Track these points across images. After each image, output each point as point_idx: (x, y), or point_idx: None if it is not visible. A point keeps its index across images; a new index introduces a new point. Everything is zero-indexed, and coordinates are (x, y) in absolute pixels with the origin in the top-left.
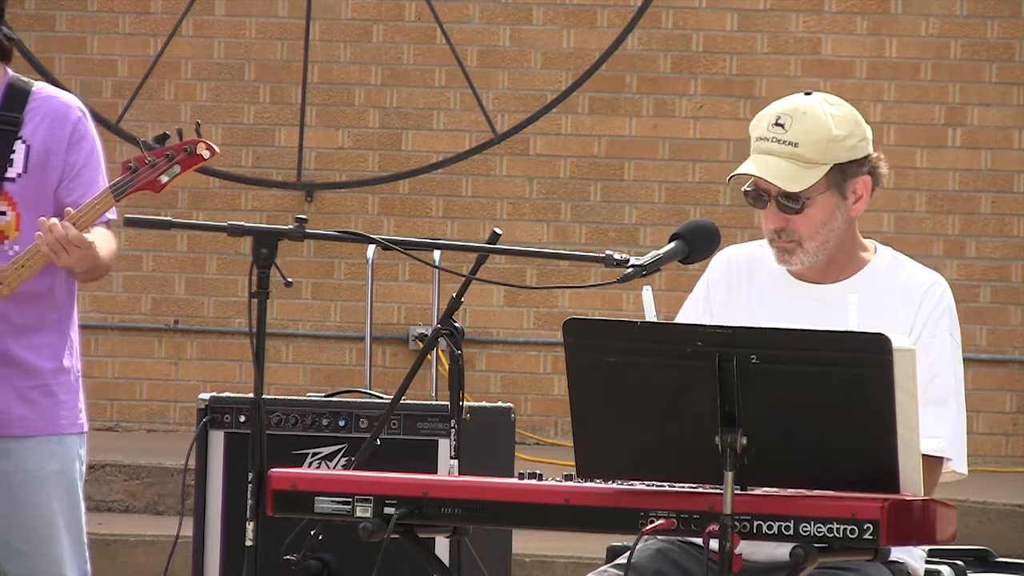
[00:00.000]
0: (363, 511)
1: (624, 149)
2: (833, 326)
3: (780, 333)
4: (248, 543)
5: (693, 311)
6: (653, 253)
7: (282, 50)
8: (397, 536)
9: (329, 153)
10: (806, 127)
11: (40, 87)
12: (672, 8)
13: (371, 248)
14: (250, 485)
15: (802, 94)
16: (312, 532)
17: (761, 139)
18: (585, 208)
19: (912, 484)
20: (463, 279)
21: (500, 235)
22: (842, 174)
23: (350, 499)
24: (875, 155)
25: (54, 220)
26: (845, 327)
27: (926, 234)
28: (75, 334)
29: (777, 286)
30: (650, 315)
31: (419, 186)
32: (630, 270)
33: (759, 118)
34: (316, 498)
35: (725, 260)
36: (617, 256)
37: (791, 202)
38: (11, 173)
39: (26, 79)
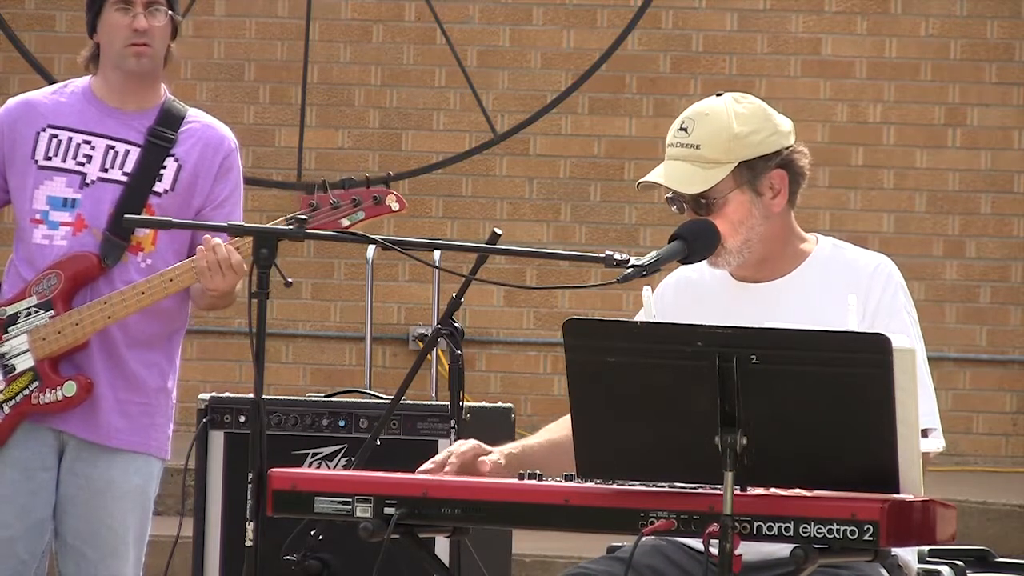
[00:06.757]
0: (363, 511)
1: (624, 149)
2: (777, 326)
3: (780, 333)
4: (248, 543)
5: None
6: (653, 253)
7: (282, 50)
8: (397, 536)
9: (329, 153)
10: (707, 128)
11: (196, 112)
12: (672, 8)
13: (371, 248)
14: (250, 485)
15: (713, 96)
16: (312, 532)
17: (669, 145)
18: (585, 208)
19: (912, 484)
20: (463, 279)
21: (500, 235)
22: (751, 171)
23: (350, 499)
24: (790, 148)
25: (218, 241)
26: (785, 325)
27: (926, 234)
28: (178, 360)
29: (721, 292)
30: (650, 315)
31: (419, 186)
32: (630, 270)
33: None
34: (316, 498)
35: (665, 284)
36: (617, 256)
37: (702, 204)
38: (159, 187)
39: (181, 103)
